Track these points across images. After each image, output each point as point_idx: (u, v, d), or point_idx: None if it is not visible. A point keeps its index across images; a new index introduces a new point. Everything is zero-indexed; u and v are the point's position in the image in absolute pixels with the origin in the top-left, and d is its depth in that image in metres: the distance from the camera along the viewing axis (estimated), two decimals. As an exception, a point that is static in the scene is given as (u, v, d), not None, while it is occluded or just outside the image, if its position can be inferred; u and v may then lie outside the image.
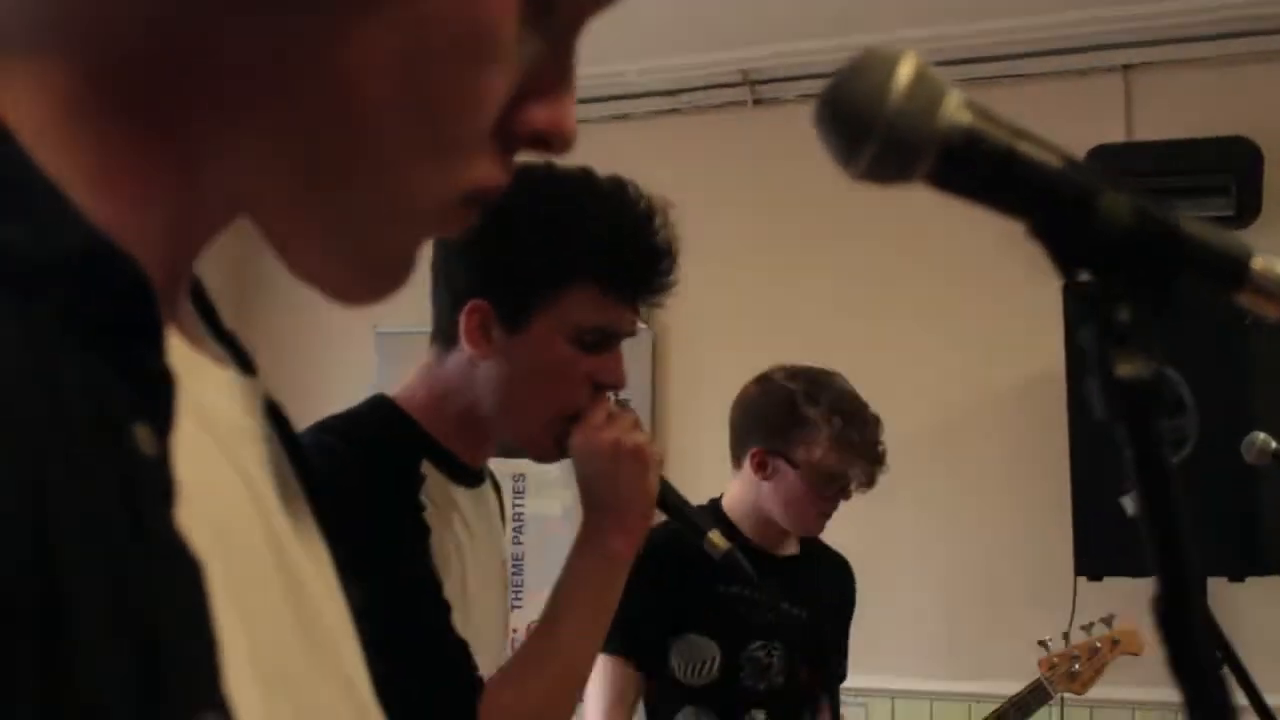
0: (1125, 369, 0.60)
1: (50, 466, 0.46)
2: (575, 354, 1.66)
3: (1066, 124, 3.79)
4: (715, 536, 1.77)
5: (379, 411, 1.73)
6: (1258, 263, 0.62)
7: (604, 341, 1.68)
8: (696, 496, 4.76)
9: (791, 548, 3.07)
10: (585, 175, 1.70)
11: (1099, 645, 3.56)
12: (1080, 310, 0.61)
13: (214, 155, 0.57)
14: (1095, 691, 3.59)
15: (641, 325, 5.42)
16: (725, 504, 3.04)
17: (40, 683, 0.44)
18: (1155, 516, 0.62)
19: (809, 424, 2.93)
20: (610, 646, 2.80)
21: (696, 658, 2.92)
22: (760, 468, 2.95)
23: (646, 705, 2.93)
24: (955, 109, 0.61)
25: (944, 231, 4.50)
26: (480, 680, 1.58)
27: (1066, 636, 3.54)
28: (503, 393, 1.68)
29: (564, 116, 0.63)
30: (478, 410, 1.70)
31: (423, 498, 1.65)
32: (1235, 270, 0.62)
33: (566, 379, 1.67)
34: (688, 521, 1.80)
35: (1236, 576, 3.74)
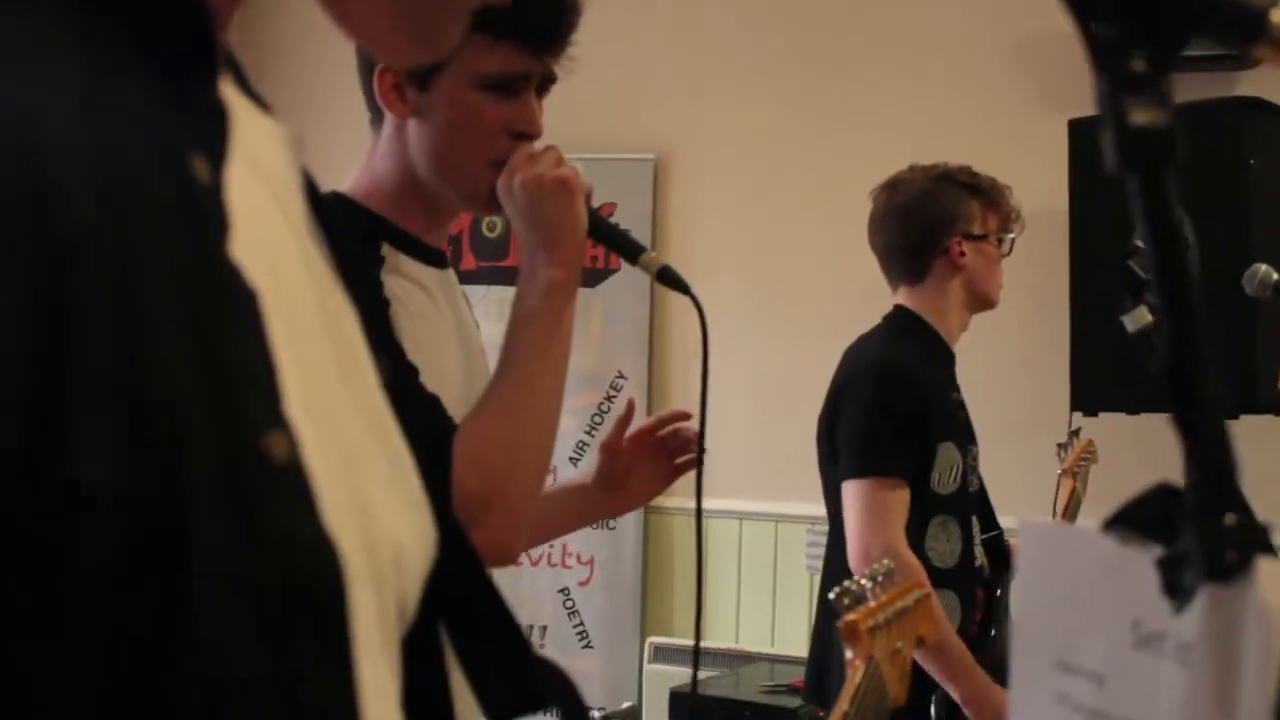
0: (1140, 117, 0.59)
1: (122, 185, 0.47)
2: (485, 102, 1.72)
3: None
4: (648, 257, 1.81)
5: (333, 204, 1.74)
6: (1277, 14, 0.61)
7: (508, 86, 1.73)
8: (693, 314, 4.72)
9: None
10: None
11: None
12: (1096, 60, 0.60)
13: None
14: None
15: (647, 155, 5.28)
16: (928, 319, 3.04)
17: (121, 387, 0.45)
18: (1163, 270, 0.62)
19: (981, 192, 3.04)
20: (876, 467, 2.85)
21: (948, 465, 2.95)
22: (962, 255, 3.01)
23: None
24: None
25: (950, 62, 4.45)
26: (454, 424, 1.63)
27: (1075, 434, 3.49)
28: (429, 149, 1.75)
29: None
30: (415, 174, 1.76)
31: (383, 277, 1.69)
32: (1253, 20, 0.61)
33: (481, 127, 1.73)
34: (620, 244, 1.84)
35: (1231, 415, 3.75)
